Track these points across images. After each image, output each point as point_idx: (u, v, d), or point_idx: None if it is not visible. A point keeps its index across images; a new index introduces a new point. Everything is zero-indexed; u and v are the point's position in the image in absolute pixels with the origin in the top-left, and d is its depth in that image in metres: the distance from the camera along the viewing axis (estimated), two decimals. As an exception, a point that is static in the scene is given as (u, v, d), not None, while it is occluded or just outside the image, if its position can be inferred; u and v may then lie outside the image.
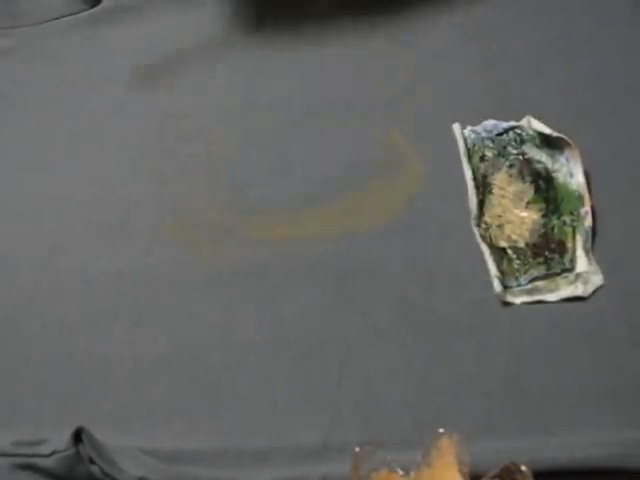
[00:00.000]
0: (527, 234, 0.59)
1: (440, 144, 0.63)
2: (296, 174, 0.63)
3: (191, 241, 0.60)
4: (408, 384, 0.53)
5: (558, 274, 0.57)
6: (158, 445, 0.51)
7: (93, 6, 0.74)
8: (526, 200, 0.60)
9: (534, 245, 0.58)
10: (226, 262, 0.59)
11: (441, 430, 0.44)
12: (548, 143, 0.61)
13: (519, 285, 0.56)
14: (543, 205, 0.60)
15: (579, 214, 0.59)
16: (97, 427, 0.50)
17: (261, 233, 0.60)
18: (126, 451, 0.50)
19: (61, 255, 0.60)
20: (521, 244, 0.58)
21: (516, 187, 0.61)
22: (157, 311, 0.57)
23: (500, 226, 0.59)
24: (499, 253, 0.58)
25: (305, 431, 0.51)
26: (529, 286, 0.56)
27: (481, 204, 0.60)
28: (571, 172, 0.60)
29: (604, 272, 0.56)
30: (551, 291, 0.56)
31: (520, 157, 0.62)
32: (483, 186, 0.61)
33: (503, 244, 0.58)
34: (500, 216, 0.60)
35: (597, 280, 0.56)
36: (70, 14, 0.74)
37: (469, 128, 0.63)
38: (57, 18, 0.74)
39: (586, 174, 0.60)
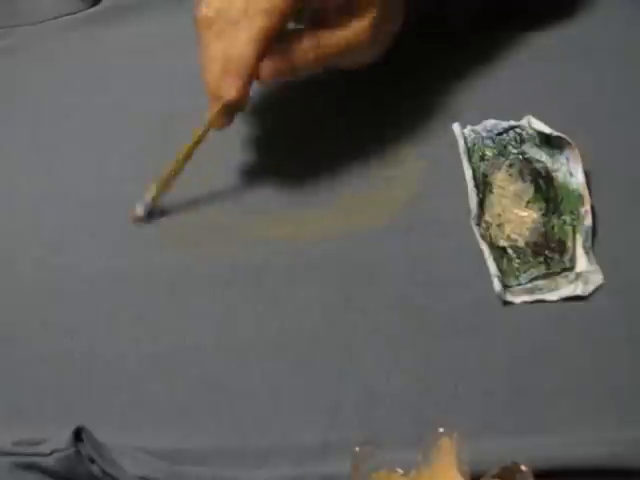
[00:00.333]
0: (527, 233, 0.59)
1: (440, 144, 0.63)
2: (296, 174, 0.63)
3: (191, 241, 0.60)
4: (408, 384, 0.53)
5: (558, 273, 0.57)
6: (158, 444, 0.51)
7: (93, 6, 0.74)
8: (526, 199, 0.60)
9: (534, 244, 0.58)
10: (226, 262, 0.59)
11: (441, 429, 0.44)
12: (548, 142, 0.61)
13: (519, 284, 0.57)
14: (543, 204, 0.60)
15: (579, 213, 0.59)
16: (97, 426, 0.50)
17: (261, 233, 0.60)
18: (126, 450, 0.50)
19: (61, 254, 0.60)
20: (521, 243, 0.58)
21: (516, 186, 0.61)
22: (157, 311, 0.57)
23: (500, 225, 0.59)
24: (499, 252, 0.58)
25: (305, 431, 0.51)
26: (529, 285, 0.56)
27: (481, 203, 0.60)
28: (571, 171, 0.60)
29: (604, 271, 0.56)
30: (551, 290, 0.56)
31: (520, 156, 0.62)
32: (483, 185, 0.61)
33: (503, 243, 0.58)
34: (500, 215, 0.60)
35: (597, 279, 0.56)
36: (70, 14, 0.74)
37: (469, 127, 0.63)
38: (57, 18, 0.74)
39: (586, 173, 0.60)
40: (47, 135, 0.67)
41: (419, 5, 0.65)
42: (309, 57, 0.59)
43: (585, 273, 0.56)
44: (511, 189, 0.61)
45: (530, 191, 0.61)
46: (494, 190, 0.61)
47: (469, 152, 0.62)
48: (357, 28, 0.59)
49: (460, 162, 0.61)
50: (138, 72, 0.70)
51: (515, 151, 0.62)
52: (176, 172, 0.61)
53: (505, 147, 0.62)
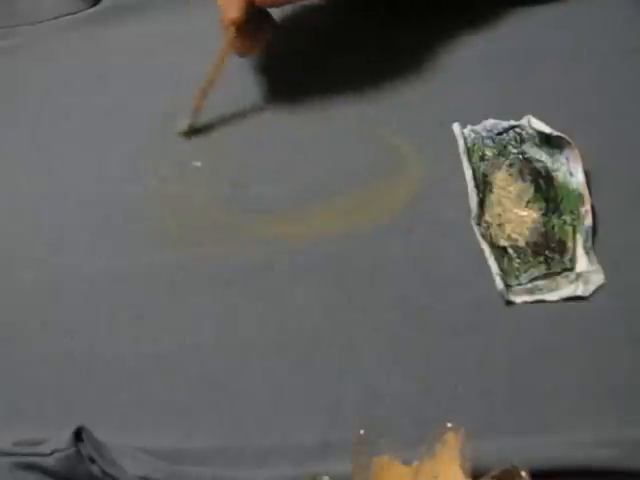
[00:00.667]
0: (527, 233, 0.59)
1: (440, 144, 0.63)
2: (297, 173, 0.63)
3: (191, 240, 0.60)
4: (408, 383, 0.53)
5: (558, 273, 0.57)
6: (159, 444, 0.51)
7: (93, 6, 0.74)
8: (526, 199, 0.60)
9: (534, 244, 0.58)
10: (226, 261, 0.59)
11: (449, 424, 0.44)
12: (548, 142, 0.61)
13: (519, 284, 0.57)
14: (543, 204, 0.60)
15: (579, 213, 0.59)
16: (97, 426, 0.50)
17: (262, 232, 0.60)
18: (127, 450, 0.50)
19: (61, 254, 0.60)
20: (521, 243, 0.58)
21: (516, 186, 0.61)
22: (157, 310, 0.57)
23: (500, 225, 0.59)
24: (499, 252, 0.58)
25: (305, 431, 0.51)
26: (529, 285, 0.56)
27: (481, 203, 0.60)
28: (571, 171, 0.60)
29: (605, 271, 0.56)
30: (551, 290, 0.56)
31: (520, 156, 0.62)
32: (483, 185, 0.61)
33: (503, 243, 0.58)
34: (500, 215, 0.60)
35: (598, 279, 0.56)
36: (70, 14, 0.74)
37: (469, 127, 0.63)
38: (57, 18, 0.74)
39: (586, 173, 0.60)
40: (47, 135, 0.67)
41: None
42: None
43: (585, 273, 0.56)
44: (511, 189, 0.61)
45: (530, 191, 0.61)
46: (494, 190, 0.61)
47: (469, 152, 0.62)
48: None
49: (460, 162, 0.61)
50: (138, 72, 0.70)
51: (515, 151, 0.62)
52: (205, 93, 0.65)
53: (505, 147, 0.62)
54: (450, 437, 0.45)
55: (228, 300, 0.57)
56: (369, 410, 0.52)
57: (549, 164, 0.61)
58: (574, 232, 0.58)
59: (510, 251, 0.58)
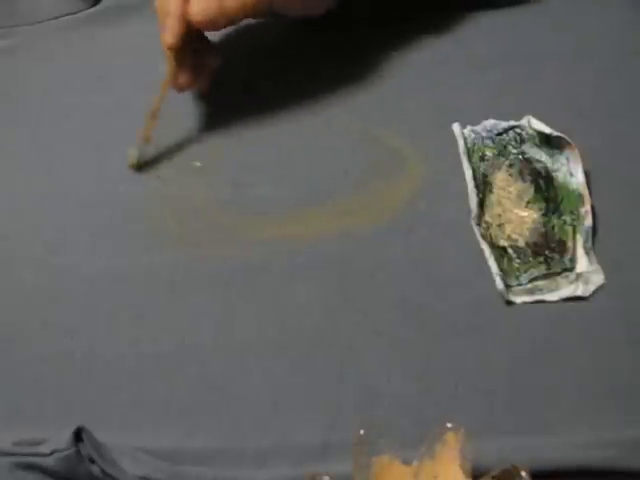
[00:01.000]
0: (527, 233, 0.59)
1: (440, 144, 0.63)
2: (297, 174, 0.63)
3: (191, 241, 0.60)
4: (408, 383, 0.53)
5: (558, 273, 0.57)
6: (159, 444, 0.51)
7: (93, 6, 0.74)
8: (526, 199, 0.60)
9: (534, 244, 0.58)
10: (226, 262, 0.59)
11: (449, 424, 0.45)
12: (548, 142, 0.61)
13: (519, 284, 0.57)
14: (543, 204, 0.60)
15: (579, 213, 0.59)
16: (97, 426, 0.50)
17: (261, 233, 0.60)
18: (127, 450, 0.50)
19: (61, 254, 0.60)
20: (521, 243, 0.58)
21: (516, 186, 0.61)
22: (157, 311, 0.57)
23: (500, 225, 0.59)
24: (499, 252, 0.58)
25: (305, 431, 0.51)
26: (529, 285, 0.56)
27: (481, 203, 0.60)
28: (571, 171, 0.60)
29: (605, 271, 0.56)
30: (551, 291, 0.56)
31: (520, 156, 0.62)
32: (483, 185, 0.61)
33: (503, 243, 0.58)
34: (500, 215, 0.60)
35: (598, 279, 0.56)
36: (70, 14, 0.74)
37: (469, 127, 0.63)
38: (57, 18, 0.74)
39: (586, 173, 0.60)
40: (47, 135, 0.67)
41: None
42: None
43: (585, 273, 0.56)
44: (511, 189, 0.61)
45: (530, 191, 0.61)
46: (494, 190, 0.61)
47: (469, 152, 0.62)
48: None
49: (460, 162, 0.61)
50: (138, 72, 0.70)
51: (515, 151, 0.62)
52: (151, 125, 0.64)
53: (505, 147, 0.62)
54: (450, 437, 0.45)
55: (228, 300, 0.57)
56: (369, 410, 0.52)
57: (549, 164, 0.61)
58: (574, 232, 0.58)
59: (510, 251, 0.58)
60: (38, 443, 0.50)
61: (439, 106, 0.66)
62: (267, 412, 0.52)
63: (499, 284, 0.55)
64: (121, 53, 0.71)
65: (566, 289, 0.56)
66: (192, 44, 0.62)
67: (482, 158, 0.62)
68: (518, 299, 0.56)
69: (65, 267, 0.60)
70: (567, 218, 0.59)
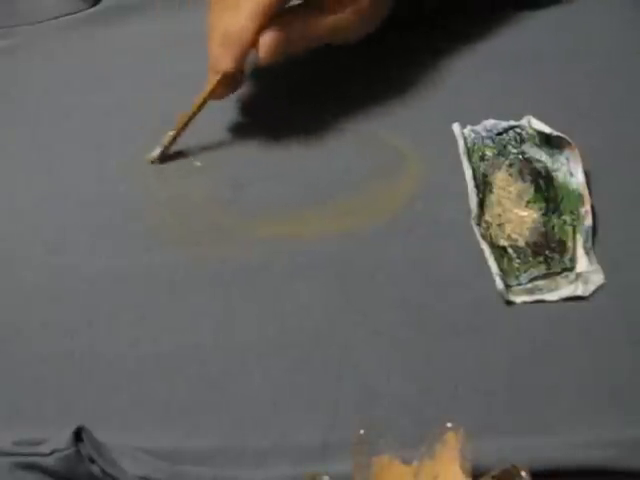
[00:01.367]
0: (527, 233, 0.59)
1: (440, 144, 0.63)
2: (297, 173, 0.63)
3: (191, 240, 0.60)
4: (408, 383, 0.53)
5: (558, 273, 0.57)
6: (159, 444, 0.51)
7: (93, 6, 0.74)
8: (526, 199, 0.60)
9: (534, 244, 0.58)
10: (226, 261, 0.59)
11: (449, 424, 0.45)
12: (548, 142, 0.61)
13: (519, 284, 0.57)
14: (543, 204, 0.60)
15: (579, 213, 0.59)
16: (97, 426, 0.50)
17: (261, 232, 0.60)
18: (127, 450, 0.50)
19: (61, 254, 0.60)
20: (521, 243, 0.58)
21: (516, 186, 0.61)
22: (157, 311, 0.57)
23: (500, 225, 0.59)
24: (499, 252, 0.58)
25: (305, 431, 0.51)
26: (529, 285, 0.56)
27: (481, 203, 0.60)
28: (571, 171, 0.60)
29: (605, 271, 0.56)
30: (551, 290, 0.56)
31: (520, 156, 0.62)
32: (483, 185, 0.61)
33: (503, 243, 0.58)
34: (500, 215, 0.60)
35: (598, 279, 0.56)
36: (70, 14, 0.74)
37: (469, 127, 0.63)
38: (57, 17, 0.74)
39: (586, 173, 0.60)
40: (47, 135, 0.67)
41: None
42: (306, 34, 0.61)
43: (585, 273, 0.56)
44: (511, 189, 0.61)
45: (530, 191, 0.61)
46: (494, 190, 0.61)
47: (469, 152, 0.62)
48: (353, 8, 0.62)
49: (460, 162, 0.61)
50: (138, 72, 0.70)
51: (515, 151, 0.62)
52: (175, 137, 0.64)
53: (505, 147, 0.63)
54: (450, 437, 0.45)
55: (228, 300, 0.57)
56: (369, 410, 0.52)
57: (549, 164, 0.61)
58: (574, 232, 0.58)
59: (510, 251, 0.58)
60: (38, 443, 0.50)
61: (439, 106, 0.66)
62: (267, 412, 0.52)
63: (499, 284, 0.55)
64: (121, 53, 0.71)
65: (566, 289, 0.56)
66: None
67: (482, 158, 0.62)
68: (518, 299, 0.56)
69: (65, 267, 0.60)
70: (567, 218, 0.59)
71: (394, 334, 0.55)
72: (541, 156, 0.62)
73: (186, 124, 0.64)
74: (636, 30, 0.69)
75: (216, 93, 0.63)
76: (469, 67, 0.68)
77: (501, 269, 0.57)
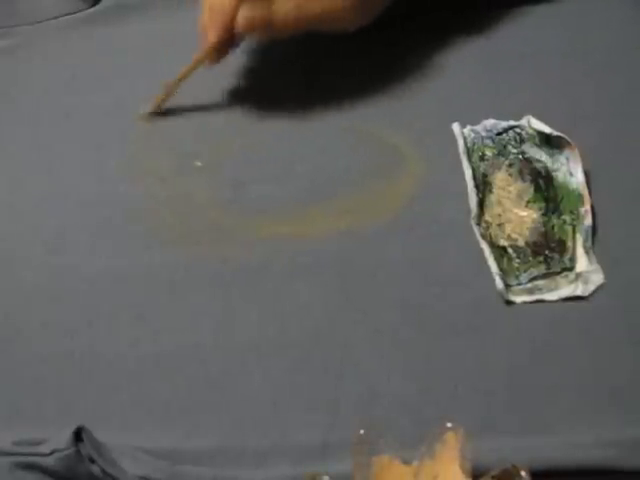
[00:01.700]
0: (527, 233, 0.59)
1: (440, 143, 0.63)
2: (297, 173, 0.63)
3: (191, 240, 0.60)
4: (408, 383, 0.53)
5: (558, 273, 0.57)
6: (159, 444, 0.51)
7: (93, 5, 0.74)
8: (526, 199, 0.60)
9: (534, 244, 0.58)
10: (227, 261, 0.59)
11: (449, 424, 0.45)
12: (548, 142, 0.61)
13: (519, 284, 0.56)
14: (543, 204, 0.60)
15: (579, 213, 0.59)
16: (97, 426, 0.50)
17: (261, 232, 0.60)
18: (127, 450, 0.50)
19: (60, 254, 0.60)
20: (521, 243, 0.58)
21: (516, 186, 0.61)
22: (157, 310, 0.57)
23: (500, 225, 0.59)
24: (499, 252, 0.58)
25: (305, 431, 0.51)
26: (529, 285, 0.56)
27: (481, 203, 0.60)
28: (571, 171, 0.60)
29: (605, 271, 0.56)
30: (551, 290, 0.56)
31: (520, 156, 0.62)
32: (483, 185, 0.61)
33: (503, 243, 0.58)
34: (500, 215, 0.60)
35: (598, 279, 0.56)
36: (70, 14, 0.74)
37: (469, 127, 0.63)
38: (57, 17, 0.74)
39: (586, 173, 0.60)
40: (47, 135, 0.67)
41: None
42: (289, 16, 0.62)
43: (585, 273, 0.56)
44: (511, 189, 0.61)
45: (530, 191, 0.61)
46: (494, 190, 0.61)
47: (469, 152, 0.62)
48: None
49: (460, 162, 0.61)
50: (138, 72, 0.70)
51: (515, 151, 0.62)
52: (171, 92, 0.67)
53: (505, 147, 0.63)
54: (450, 437, 0.45)
55: (228, 300, 0.57)
56: (369, 410, 0.52)
57: (549, 164, 0.61)
58: (574, 232, 0.58)
59: (510, 251, 0.58)
60: (38, 443, 0.50)
61: (439, 105, 0.66)
62: (267, 412, 0.52)
63: (499, 284, 0.55)
64: (121, 53, 0.71)
65: (566, 289, 0.56)
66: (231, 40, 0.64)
67: (482, 158, 0.62)
68: (518, 299, 0.56)
69: (65, 267, 0.60)
70: (567, 218, 0.59)
71: (394, 334, 0.55)
72: (541, 156, 0.62)
73: (176, 86, 0.66)
74: (636, 29, 0.69)
75: (208, 59, 0.65)
76: (469, 66, 0.68)
77: (501, 269, 0.57)
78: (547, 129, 0.61)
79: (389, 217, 0.60)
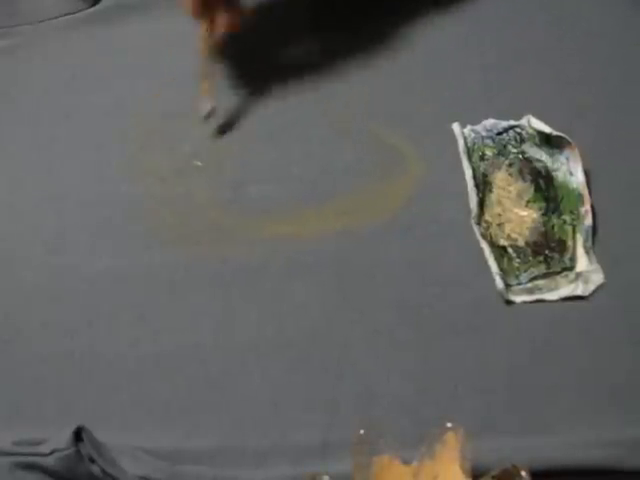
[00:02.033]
0: (527, 233, 0.59)
1: (440, 143, 0.63)
2: (296, 173, 0.63)
3: (191, 240, 0.60)
4: (407, 383, 0.53)
5: (558, 273, 0.57)
6: (159, 444, 0.51)
7: (93, 5, 0.74)
8: (526, 199, 0.60)
9: (534, 244, 0.58)
10: (226, 261, 0.59)
11: (449, 424, 0.45)
12: (548, 142, 0.61)
13: (519, 284, 0.57)
14: (543, 204, 0.60)
15: (579, 213, 0.59)
16: (97, 426, 0.50)
17: (261, 232, 0.60)
18: (126, 450, 0.50)
19: (61, 254, 0.60)
20: (521, 243, 0.58)
21: (516, 186, 0.61)
22: (157, 310, 0.57)
23: (500, 225, 0.59)
24: (499, 252, 0.58)
25: (305, 430, 0.51)
26: (529, 285, 0.56)
27: (481, 203, 0.60)
28: (571, 171, 0.60)
29: (605, 271, 0.56)
30: (551, 290, 0.56)
31: (520, 156, 0.62)
32: (483, 185, 0.61)
33: (503, 243, 0.58)
34: (500, 215, 0.60)
35: (598, 279, 0.56)
36: (70, 14, 0.74)
37: (469, 127, 0.63)
38: (57, 17, 0.74)
39: (586, 173, 0.60)
40: (47, 135, 0.67)
41: None
42: None
43: (585, 273, 0.56)
44: (511, 189, 0.61)
45: (530, 190, 0.61)
46: (494, 190, 0.61)
47: (469, 151, 0.62)
48: None
49: (460, 162, 0.61)
50: (138, 72, 0.70)
51: (515, 150, 0.62)
52: (207, 81, 0.66)
53: (505, 147, 0.62)
54: (450, 437, 0.45)
55: (228, 300, 0.57)
56: (368, 410, 0.52)
57: (549, 164, 0.61)
58: (574, 232, 0.58)
59: (510, 251, 0.58)
60: (38, 443, 0.50)
61: (439, 105, 0.66)
62: (267, 412, 0.52)
63: (499, 283, 0.55)
64: (121, 53, 0.71)
65: (566, 288, 0.56)
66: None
67: (482, 157, 0.62)
68: (518, 298, 0.56)
69: (65, 267, 0.60)
70: (567, 217, 0.59)
71: (393, 334, 0.55)
72: (541, 156, 0.62)
73: (207, 73, 0.66)
74: (636, 30, 0.69)
75: (207, 36, 0.65)
76: (469, 67, 0.68)
77: (501, 269, 0.57)
78: (547, 129, 0.61)
79: (388, 217, 0.60)
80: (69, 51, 0.72)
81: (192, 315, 0.57)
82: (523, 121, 0.62)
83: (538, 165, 0.61)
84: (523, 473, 0.44)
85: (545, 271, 0.57)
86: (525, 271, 0.57)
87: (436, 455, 0.45)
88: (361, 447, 0.45)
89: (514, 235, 0.59)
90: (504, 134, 0.63)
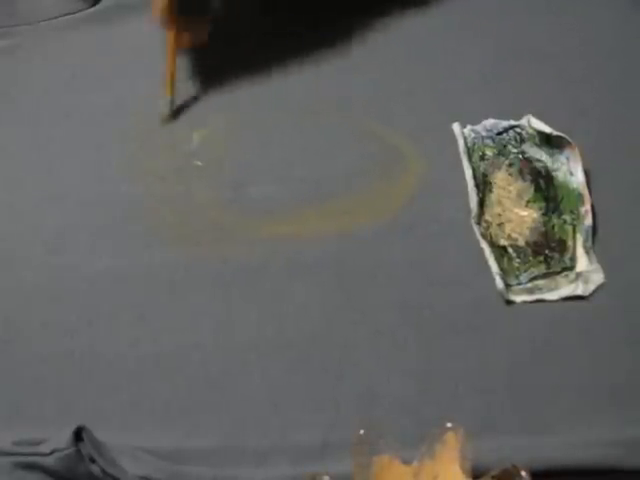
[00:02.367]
0: (527, 232, 0.59)
1: (440, 143, 0.63)
2: (297, 173, 0.63)
3: (191, 240, 0.60)
4: (408, 383, 0.53)
5: (558, 273, 0.57)
6: (159, 444, 0.51)
7: (93, 5, 0.74)
8: (526, 199, 0.60)
9: (534, 243, 0.58)
10: (227, 261, 0.59)
11: (449, 424, 0.45)
12: (548, 142, 0.61)
13: (519, 284, 0.57)
14: (543, 204, 0.60)
15: (579, 213, 0.59)
16: (98, 426, 0.50)
17: (261, 232, 0.60)
18: (127, 450, 0.50)
19: (61, 254, 0.60)
20: (521, 243, 0.58)
21: (516, 186, 0.61)
22: (157, 310, 0.57)
23: (500, 225, 0.59)
24: (499, 251, 0.58)
25: (305, 430, 0.51)
26: (529, 285, 0.56)
27: (481, 203, 0.60)
28: (571, 171, 0.60)
29: (605, 271, 0.56)
30: (551, 290, 0.56)
31: (520, 156, 0.62)
32: (483, 185, 0.61)
33: (503, 242, 0.58)
34: (500, 215, 0.60)
35: (598, 279, 0.56)
36: (70, 14, 0.74)
37: (469, 127, 0.63)
38: (57, 17, 0.74)
39: (586, 173, 0.60)
40: (47, 135, 0.67)
41: None
42: None
43: (585, 272, 0.56)
44: (511, 188, 0.61)
45: (530, 190, 0.61)
46: (494, 190, 0.61)
47: (469, 151, 0.62)
48: None
49: (460, 162, 0.61)
50: (138, 72, 0.70)
51: (515, 150, 0.62)
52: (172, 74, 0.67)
53: (505, 146, 0.62)
54: (450, 437, 0.45)
55: (228, 300, 0.57)
56: (369, 410, 0.52)
57: (549, 164, 0.61)
58: (574, 231, 0.58)
59: (510, 250, 0.58)
60: (38, 443, 0.50)
61: (439, 105, 0.66)
62: (267, 412, 0.52)
63: (499, 283, 0.55)
64: (121, 53, 0.71)
65: (566, 288, 0.56)
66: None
67: (482, 157, 0.62)
68: (518, 298, 0.56)
69: (65, 267, 0.60)
70: (567, 217, 0.59)
71: (394, 334, 0.55)
72: (541, 156, 0.62)
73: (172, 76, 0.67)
74: (636, 30, 0.69)
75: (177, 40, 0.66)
76: (469, 67, 0.68)
77: (501, 268, 0.57)
78: (547, 129, 0.61)
79: (389, 217, 0.60)
80: (69, 51, 0.72)
81: (192, 315, 0.57)
82: (523, 121, 0.62)
83: (538, 165, 0.61)
84: (523, 473, 0.44)
85: (545, 271, 0.57)
86: (525, 271, 0.57)
87: (436, 455, 0.45)
88: (361, 447, 0.45)
89: (514, 235, 0.59)
90: (504, 134, 0.63)
